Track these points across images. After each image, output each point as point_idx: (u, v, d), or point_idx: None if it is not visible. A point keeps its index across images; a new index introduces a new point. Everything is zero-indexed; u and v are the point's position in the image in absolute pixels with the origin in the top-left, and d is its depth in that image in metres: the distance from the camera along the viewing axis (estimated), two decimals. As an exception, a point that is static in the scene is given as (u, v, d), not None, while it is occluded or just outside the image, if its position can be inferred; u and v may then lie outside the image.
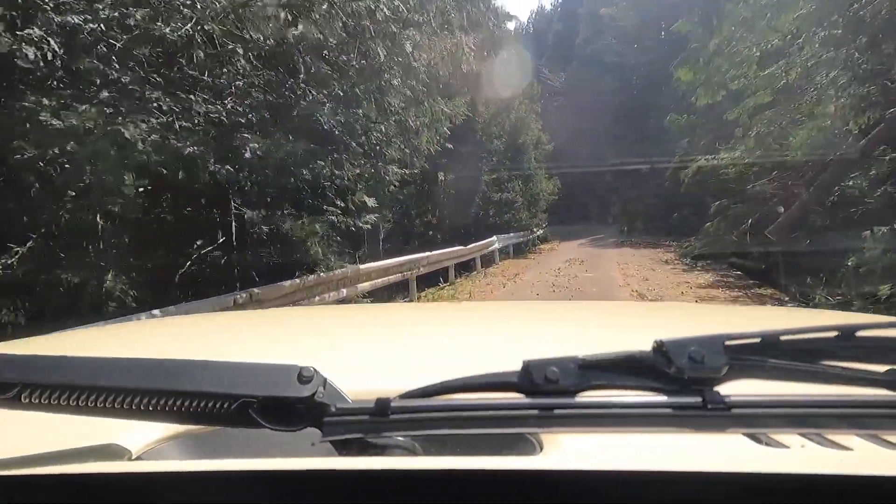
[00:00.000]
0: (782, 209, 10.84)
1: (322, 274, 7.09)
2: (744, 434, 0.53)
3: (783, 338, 0.50)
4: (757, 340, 0.50)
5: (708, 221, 14.67)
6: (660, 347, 0.50)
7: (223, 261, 7.57)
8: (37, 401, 0.52)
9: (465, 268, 13.38)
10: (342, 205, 8.68)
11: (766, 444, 0.54)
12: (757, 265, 12.00)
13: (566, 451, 0.59)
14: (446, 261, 11.68)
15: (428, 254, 10.22)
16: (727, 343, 0.50)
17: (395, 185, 9.14)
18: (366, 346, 1.15)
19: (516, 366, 0.51)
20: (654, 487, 0.49)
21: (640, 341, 0.54)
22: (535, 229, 22.97)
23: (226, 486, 0.50)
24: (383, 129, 7.17)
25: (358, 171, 7.22)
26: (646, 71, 31.66)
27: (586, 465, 0.53)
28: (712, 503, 0.49)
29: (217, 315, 2.83)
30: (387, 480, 0.49)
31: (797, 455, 0.54)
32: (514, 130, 22.11)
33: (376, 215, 8.96)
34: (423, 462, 0.53)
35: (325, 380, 0.53)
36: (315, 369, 0.52)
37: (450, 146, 11.93)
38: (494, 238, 16.48)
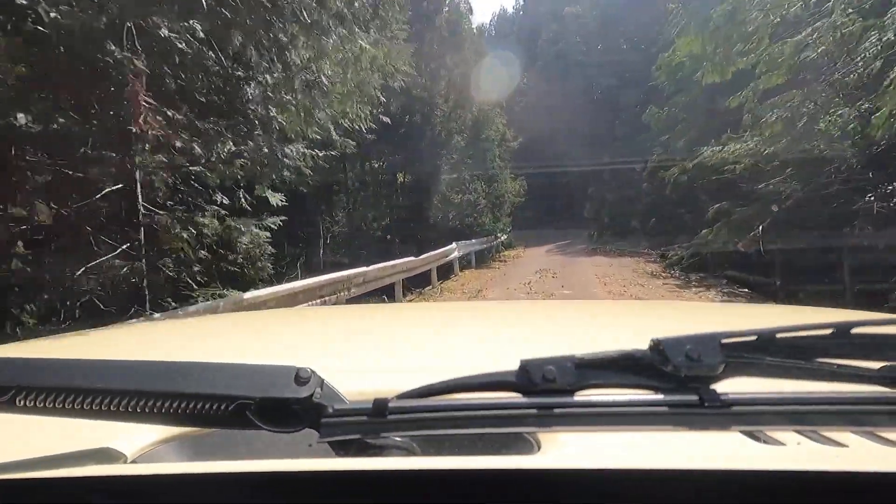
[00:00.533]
0: (775, 208, 9.97)
1: (159, 315, 3.80)
2: (740, 431, 0.53)
3: (779, 335, 0.51)
4: (753, 338, 0.51)
5: (698, 226, 13.07)
6: (656, 346, 0.51)
7: (123, 273, 5.77)
8: (32, 404, 0.52)
9: (417, 282, 11.95)
10: (226, 201, 5.48)
11: (763, 442, 0.55)
12: (766, 279, 9.12)
13: (564, 449, 0.60)
14: (391, 276, 9.97)
15: (364, 269, 7.25)
16: (723, 341, 0.51)
17: (307, 171, 6.09)
18: (363, 346, 1.13)
19: (514, 365, 0.51)
20: (651, 485, 0.50)
21: (636, 340, 0.54)
22: (499, 234, 21.87)
23: (223, 488, 0.50)
24: (268, 80, 4.09)
25: (232, 149, 4.10)
26: (613, 69, 29.31)
27: (584, 463, 0.53)
28: (710, 500, 0.50)
29: (214, 317, 2.83)
30: (385, 481, 0.49)
31: (794, 452, 0.55)
32: (476, 125, 19.41)
33: (283, 218, 5.91)
34: (422, 462, 0.53)
35: (323, 381, 0.53)
36: (312, 370, 0.53)
37: (388, 122, 8.86)
38: (454, 245, 14.88)
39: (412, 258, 10.64)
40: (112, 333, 1.54)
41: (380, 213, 18.65)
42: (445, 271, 13.60)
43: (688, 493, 0.50)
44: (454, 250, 14.30)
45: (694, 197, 14.31)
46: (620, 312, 1.70)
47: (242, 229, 6.57)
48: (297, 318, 1.93)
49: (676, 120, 16.05)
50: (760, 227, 9.99)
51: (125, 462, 0.61)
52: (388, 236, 17.82)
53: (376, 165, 14.91)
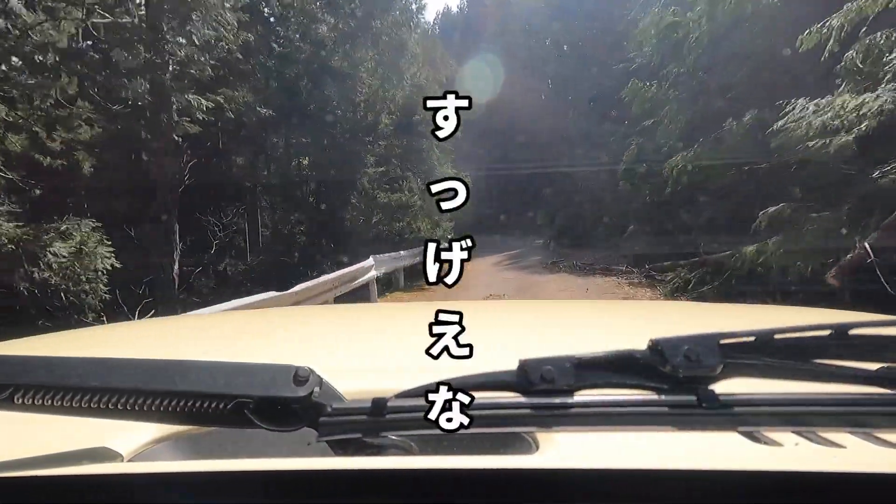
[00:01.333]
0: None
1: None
2: (738, 432, 0.54)
3: (777, 336, 0.52)
4: (751, 339, 0.52)
5: (702, 237, 9.71)
6: (655, 346, 0.53)
7: None
8: (30, 402, 0.54)
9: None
10: None
11: (760, 442, 0.55)
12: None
13: (562, 449, 0.61)
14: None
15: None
16: (722, 342, 0.52)
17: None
18: (363, 346, 1.14)
19: (512, 365, 0.54)
20: (649, 485, 0.52)
21: (635, 340, 0.57)
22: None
23: (220, 487, 0.52)
24: None
25: None
26: (568, 60, 25.90)
27: (582, 463, 0.56)
28: (707, 501, 0.52)
29: (213, 315, 2.80)
30: (383, 480, 0.51)
31: (791, 453, 0.56)
32: (410, 104, 13.83)
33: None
34: (420, 461, 0.55)
35: (322, 380, 0.55)
36: (311, 369, 0.55)
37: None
38: (369, 262, 10.91)
39: (273, 294, 5.44)
40: (110, 331, 1.56)
41: (281, 218, 15.54)
42: (359, 299, 10.61)
43: (685, 494, 0.52)
44: (370, 269, 10.79)
45: (689, 197, 9.77)
46: (619, 312, 1.66)
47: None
48: (297, 316, 1.86)
49: (666, 99, 11.42)
50: (866, 243, 5.30)
51: (121, 461, 0.62)
52: (308, 241, 14.56)
53: (293, 163, 10.85)
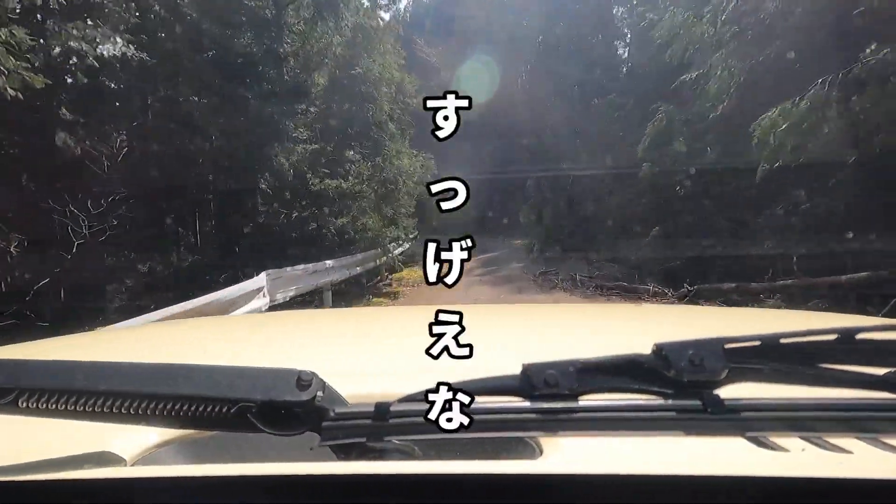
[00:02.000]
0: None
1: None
2: (744, 438, 0.57)
3: (783, 341, 0.53)
4: (756, 344, 0.53)
5: (790, 243, 6.63)
6: (659, 351, 0.54)
7: None
8: (34, 406, 0.57)
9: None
10: None
11: (766, 448, 0.57)
12: None
13: (566, 454, 0.63)
14: None
15: None
16: (727, 346, 0.53)
17: None
18: (365, 350, 1.13)
19: (516, 369, 0.56)
20: (653, 492, 0.54)
21: (639, 345, 0.58)
22: (390, 246, 12.86)
23: (223, 491, 0.54)
24: None
25: None
26: (551, 38, 24.00)
27: (586, 468, 0.57)
28: None
29: (215, 319, 2.80)
30: (386, 485, 0.54)
31: (797, 458, 0.57)
32: (350, 55, 8.26)
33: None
34: (423, 466, 0.57)
35: (325, 384, 0.58)
36: (314, 373, 0.57)
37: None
38: (255, 283, 7.07)
39: None
40: (114, 335, 1.58)
41: (217, 212, 12.09)
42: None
43: (690, 500, 0.52)
44: (251, 296, 6.66)
45: (769, 184, 5.76)
46: (623, 316, 1.59)
47: None
48: (300, 320, 1.81)
49: (721, 40, 7.34)
50: None
51: (124, 465, 0.65)
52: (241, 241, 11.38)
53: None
